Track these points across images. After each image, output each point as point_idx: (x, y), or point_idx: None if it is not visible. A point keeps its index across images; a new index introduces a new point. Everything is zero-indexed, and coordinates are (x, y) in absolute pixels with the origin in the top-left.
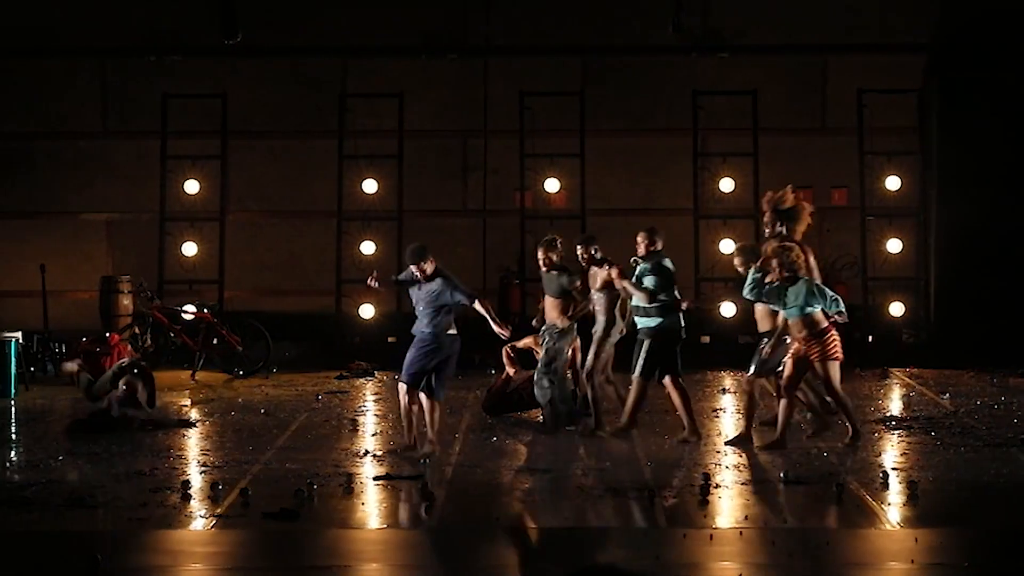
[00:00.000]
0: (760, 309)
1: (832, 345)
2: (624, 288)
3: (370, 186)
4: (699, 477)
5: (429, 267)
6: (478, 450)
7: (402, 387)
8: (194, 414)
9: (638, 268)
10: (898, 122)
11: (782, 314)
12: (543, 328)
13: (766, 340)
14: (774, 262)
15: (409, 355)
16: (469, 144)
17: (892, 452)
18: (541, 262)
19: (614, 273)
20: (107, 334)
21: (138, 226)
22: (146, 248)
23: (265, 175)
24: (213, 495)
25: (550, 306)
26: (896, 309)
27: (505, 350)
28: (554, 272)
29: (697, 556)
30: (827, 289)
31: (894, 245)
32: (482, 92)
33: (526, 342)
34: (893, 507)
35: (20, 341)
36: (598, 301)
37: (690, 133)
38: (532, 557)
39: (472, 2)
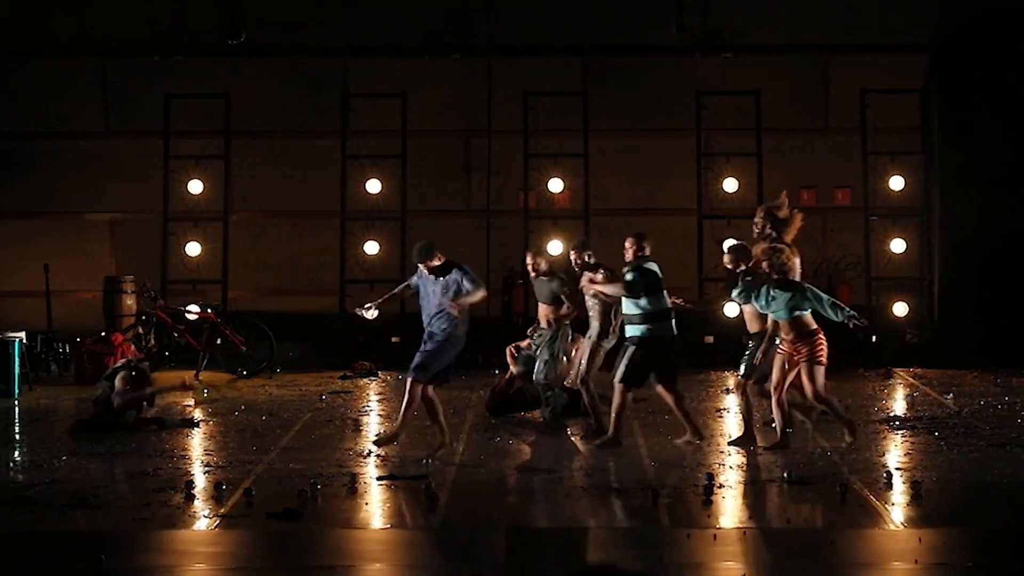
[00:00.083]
0: (749, 310)
1: (819, 349)
2: (599, 293)
3: (373, 186)
4: (702, 477)
5: (437, 262)
6: (481, 450)
7: (417, 387)
8: (198, 414)
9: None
10: (901, 122)
11: (771, 316)
12: (533, 330)
13: (753, 344)
14: (764, 264)
15: (428, 352)
16: (472, 144)
17: (896, 452)
18: (530, 268)
19: (584, 280)
20: (110, 334)
21: (141, 226)
22: (149, 248)
23: (268, 175)
24: (217, 495)
25: (543, 312)
26: (900, 309)
27: (509, 350)
28: (543, 278)
29: (700, 556)
30: (823, 295)
31: (897, 245)
32: (485, 92)
33: (529, 342)
34: (897, 507)
35: (24, 341)
36: (592, 307)
37: (693, 133)
38: (535, 557)
39: (475, 2)
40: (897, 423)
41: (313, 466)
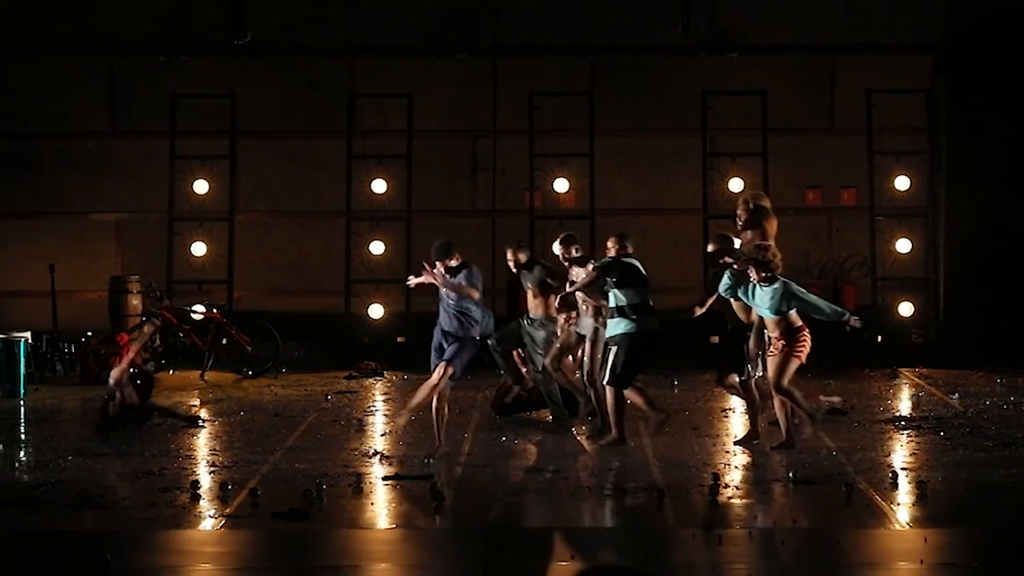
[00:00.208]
0: (737, 304)
1: (800, 346)
2: (582, 292)
3: (379, 186)
4: (708, 477)
5: (454, 263)
6: (487, 450)
7: (445, 384)
8: (203, 414)
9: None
10: (907, 122)
11: (756, 312)
12: (525, 321)
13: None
14: (751, 262)
15: (449, 351)
16: (478, 144)
17: (901, 452)
18: (511, 264)
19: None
20: (116, 334)
21: (147, 226)
22: (155, 248)
23: (274, 175)
24: (222, 495)
25: (533, 303)
26: (905, 309)
27: (516, 352)
28: (525, 270)
29: (706, 556)
30: (816, 298)
31: (903, 245)
32: (491, 92)
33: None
34: (902, 507)
35: (29, 341)
36: (583, 302)
37: (699, 133)
38: (540, 557)
39: (480, 2)
40: (902, 423)
41: (319, 466)
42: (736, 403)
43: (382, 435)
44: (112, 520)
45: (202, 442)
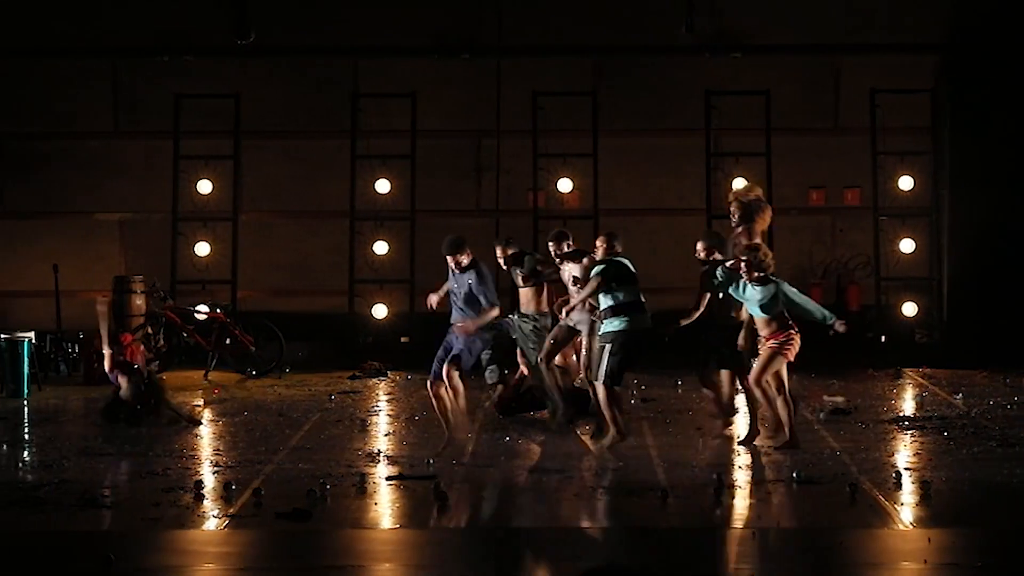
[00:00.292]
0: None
1: (789, 345)
2: (584, 299)
3: (383, 186)
4: (712, 477)
5: (465, 259)
6: (491, 450)
7: (450, 378)
8: (207, 414)
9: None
10: (911, 122)
11: (746, 310)
12: (515, 316)
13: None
14: (743, 262)
15: (457, 346)
16: (482, 144)
17: (905, 452)
18: (501, 261)
19: (573, 290)
20: (120, 334)
21: (151, 226)
22: (159, 248)
23: (278, 175)
24: (226, 495)
25: (524, 297)
26: (909, 309)
27: (519, 349)
28: (515, 265)
29: (710, 556)
30: (808, 299)
31: (907, 245)
32: (495, 92)
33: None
34: (906, 507)
35: (33, 341)
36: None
37: (703, 133)
38: (544, 557)
39: (484, 2)
40: (906, 423)
41: (322, 466)
42: (739, 403)
43: (386, 435)
44: (116, 520)
45: (206, 442)
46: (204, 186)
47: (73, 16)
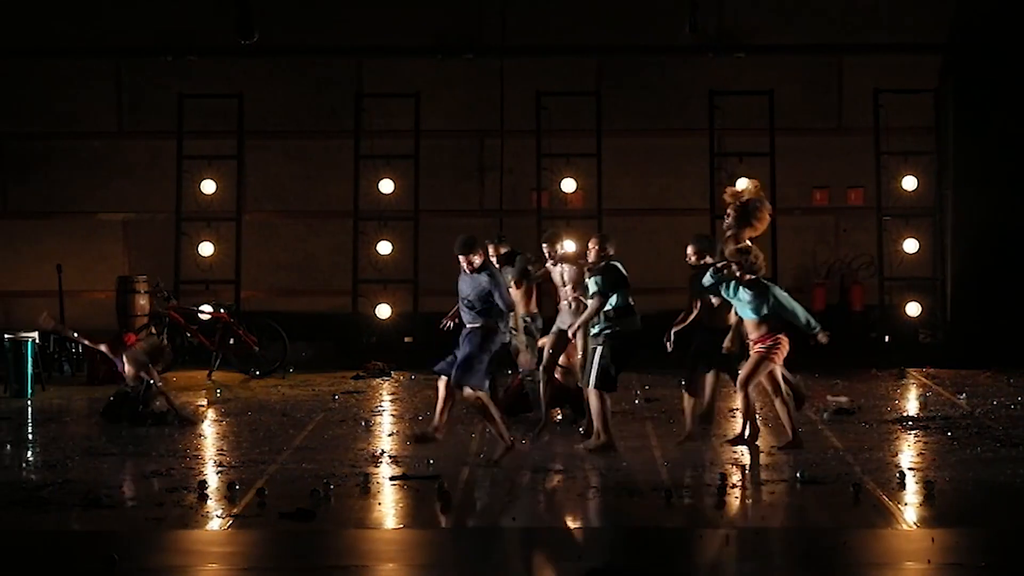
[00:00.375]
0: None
1: (776, 350)
2: (585, 322)
3: (386, 186)
4: (715, 477)
5: (477, 260)
6: (495, 450)
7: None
8: (210, 414)
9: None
10: (914, 122)
11: (735, 312)
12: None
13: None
14: (734, 265)
15: (462, 355)
16: (485, 144)
17: (909, 452)
18: (493, 260)
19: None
20: (123, 334)
21: (154, 226)
22: (162, 248)
23: (281, 175)
24: (230, 495)
25: (515, 299)
26: (912, 309)
27: (512, 350)
28: (507, 264)
29: (714, 556)
30: (797, 305)
31: (910, 245)
32: (498, 92)
33: (541, 342)
34: (910, 507)
35: (36, 341)
36: (565, 299)
37: (706, 133)
38: (548, 557)
39: (488, 2)
40: (910, 423)
41: (326, 466)
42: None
43: (389, 435)
44: (119, 520)
45: (209, 442)
46: (208, 186)
47: (76, 16)
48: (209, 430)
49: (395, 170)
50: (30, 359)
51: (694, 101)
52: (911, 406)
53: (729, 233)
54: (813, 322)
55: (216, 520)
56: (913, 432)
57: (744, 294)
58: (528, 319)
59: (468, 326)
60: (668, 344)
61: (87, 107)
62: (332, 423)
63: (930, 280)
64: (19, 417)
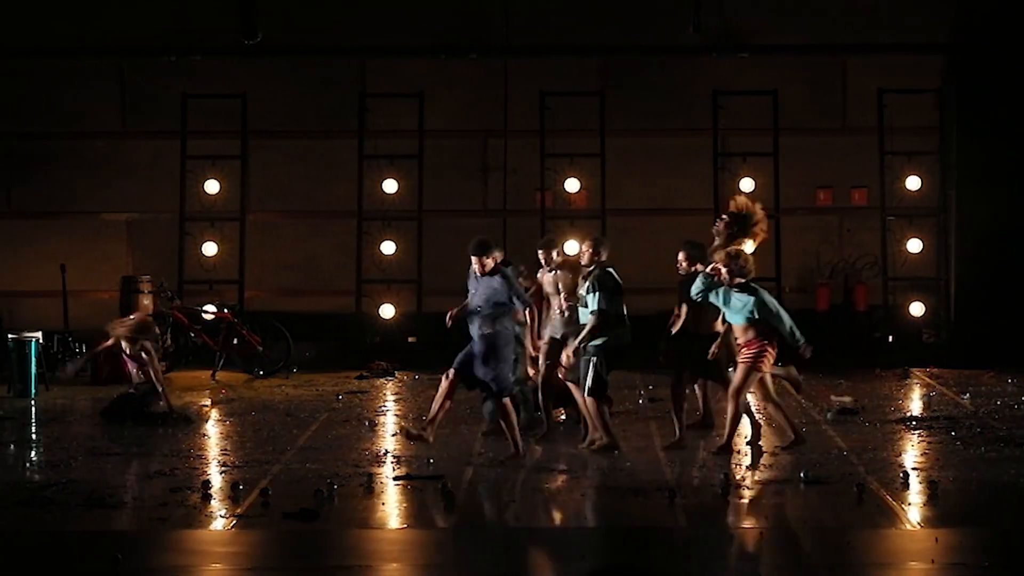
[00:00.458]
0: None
1: (763, 358)
2: (584, 338)
3: (390, 186)
4: (720, 477)
5: (490, 262)
6: (498, 450)
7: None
8: (214, 414)
9: (584, 286)
10: (918, 122)
11: (723, 319)
12: None
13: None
14: (723, 269)
15: (491, 366)
16: (489, 144)
17: (912, 452)
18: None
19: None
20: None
21: (158, 226)
22: (166, 248)
23: (285, 175)
24: (233, 495)
25: None
26: (916, 309)
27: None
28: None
29: (718, 556)
30: (784, 313)
31: (914, 245)
32: (502, 92)
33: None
34: (913, 507)
35: (40, 341)
36: (558, 307)
37: (710, 133)
38: (552, 557)
39: (492, 2)
40: (914, 423)
41: (330, 466)
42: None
43: (393, 435)
44: (123, 520)
45: (213, 442)
46: (211, 186)
47: (80, 16)
48: (213, 430)
49: (399, 170)
50: (34, 359)
51: (698, 101)
52: (915, 406)
53: (718, 242)
54: (798, 334)
55: (220, 520)
56: (917, 432)
57: (733, 299)
58: (516, 328)
59: (480, 331)
60: (661, 359)
61: (91, 107)
62: (336, 423)
63: (934, 280)
64: (23, 417)
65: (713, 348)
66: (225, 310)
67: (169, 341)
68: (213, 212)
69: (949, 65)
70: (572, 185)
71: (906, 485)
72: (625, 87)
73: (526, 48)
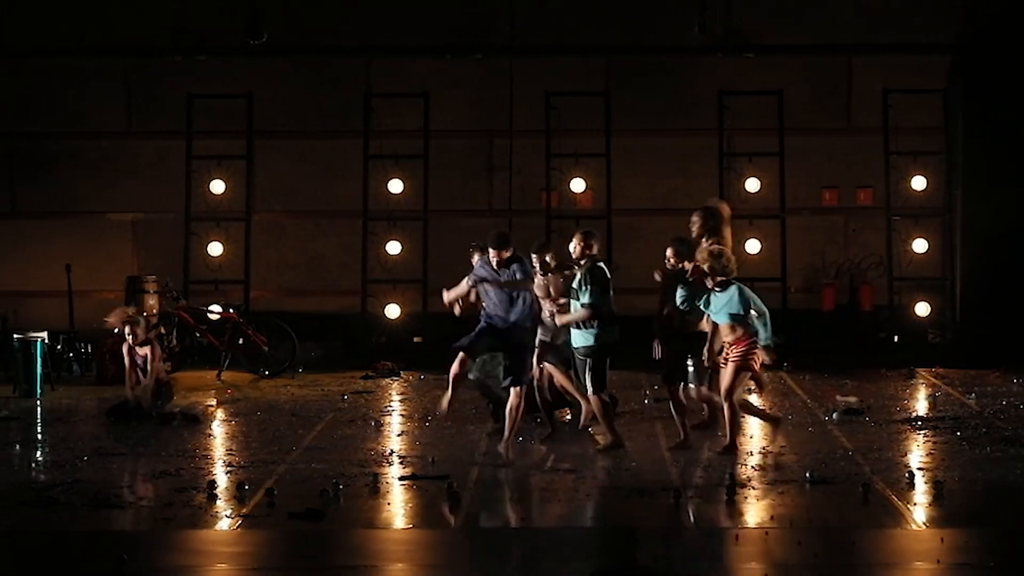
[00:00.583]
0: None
1: (752, 355)
2: (569, 322)
3: (395, 186)
4: (725, 477)
5: (507, 254)
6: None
7: (515, 390)
8: (220, 414)
9: (575, 279)
10: (923, 122)
11: (707, 319)
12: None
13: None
14: (706, 267)
15: (514, 358)
16: (494, 144)
17: (918, 452)
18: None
19: (554, 308)
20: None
21: (163, 226)
22: (171, 248)
23: (290, 175)
24: (239, 495)
25: None
26: (922, 309)
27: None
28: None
29: (723, 556)
30: (765, 312)
31: (919, 245)
32: (507, 92)
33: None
34: (919, 507)
35: (46, 341)
36: (549, 311)
37: (715, 133)
38: (557, 557)
39: (497, 2)
40: (919, 423)
41: (335, 466)
42: (752, 403)
43: (398, 435)
44: (129, 520)
45: (219, 442)
46: (217, 186)
47: (85, 16)
48: (218, 430)
49: (404, 170)
50: (39, 359)
51: (703, 101)
52: (920, 406)
53: (695, 234)
54: (768, 336)
55: (225, 520)
56: (922, 432)
57: (716, 299)
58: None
59: (499, 324)
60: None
61: (96, 107)
62: (341, 423)
63: (939, 280)
64: (28, 417)
65: (706, 361)
66: (231, 310)
67: (175, 341)
68: (218, 212)
69: (954, 65)
70: (577, 185)
71: (911, 485)
72: (630, 87)
73: (531, 48)
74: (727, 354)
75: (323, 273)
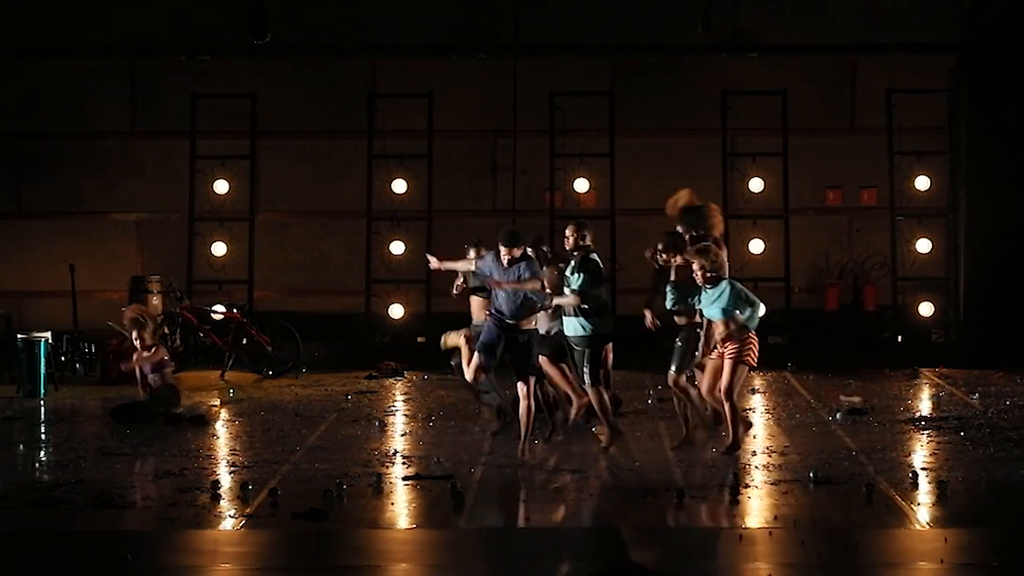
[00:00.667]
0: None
1: (748, 349)
2: (560, 303)
3: (399, 186)
4: (728, 477)
5: (518, 252)
6: (507, 450)
7: (522, 387)
8: (223, 414)
9: (569, 267)
10: (927, 122)
11: (700, 313)
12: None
13: (678, 342)
14: (695, 264)
15: (526, 354)
16: (498, 144)
17: (922, 452)
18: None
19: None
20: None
21: (167, 226)
22: (175, 248)
23: (294, 175)
24: (242, 495)
25: (475, 305)
26: (926, 309)
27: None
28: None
29: (726, 556)
30: (756, 300)
31: (923, 245)
32: (511, 92)
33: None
34: (923, 507)
35: (49, 341)
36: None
37: (719, 133)
38: (561, 557)
39: (501, 2)
40: (923, 423)
41: (339, 466)
42: (756, 403)
43: (402, 435)
44: (132, 520)
45: (222, 442)
46: (220, 186)
47: (89, 16)
48: (222, 430)
49: (408, 170)
50: (43, 359)
51: (707, 101)
52: (924, 406)
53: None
54: (755, 323)
55: (229, 520)
56: (926, 432)
57: (707, 296)
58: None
59: (509, 321)
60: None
61: (100, 107)
62: (345, 423)
63: (943, 280)
64: (32, 417)
65: (699, 354)
66: (234, 310)
67: (178, 341)
68: (222, 212)
69: (958, 65)
70: (581, 185)
71: (915, 485)
72: (634, 87)
73: (535, 48)
74: (721, 352)
75: (327, 273)
